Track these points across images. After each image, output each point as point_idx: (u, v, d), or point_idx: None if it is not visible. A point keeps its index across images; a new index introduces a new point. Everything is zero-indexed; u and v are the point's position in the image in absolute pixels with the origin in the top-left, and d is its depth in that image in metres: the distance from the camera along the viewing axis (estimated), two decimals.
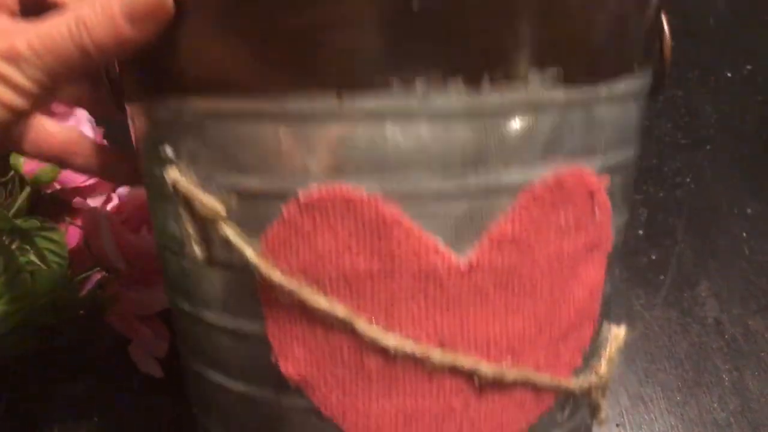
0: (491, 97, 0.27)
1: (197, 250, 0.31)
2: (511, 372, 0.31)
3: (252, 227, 0.30)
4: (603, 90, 0.30)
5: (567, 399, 0.34)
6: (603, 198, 0.31)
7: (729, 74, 0.65)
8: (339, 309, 0.30)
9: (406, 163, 0.28)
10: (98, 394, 0.53)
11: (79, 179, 0.57)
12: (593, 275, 0.33)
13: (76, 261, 0.53)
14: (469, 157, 0.28)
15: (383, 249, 0.29)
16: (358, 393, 0.31)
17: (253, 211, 0.30)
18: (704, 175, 0.62)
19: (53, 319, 0.49)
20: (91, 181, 0.57)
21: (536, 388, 0.33)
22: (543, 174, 0.29)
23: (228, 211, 0.30)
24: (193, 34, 0.29)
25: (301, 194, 0.28)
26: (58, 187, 0.58)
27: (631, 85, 0.31)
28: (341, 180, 0.28)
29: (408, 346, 0.30)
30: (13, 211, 0.55)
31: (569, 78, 0.28)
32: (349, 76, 0.27)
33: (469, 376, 0.31)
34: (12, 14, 0.32)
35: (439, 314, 0.30)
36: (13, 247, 0.51)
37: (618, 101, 0.31)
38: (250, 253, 0.30)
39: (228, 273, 0.32)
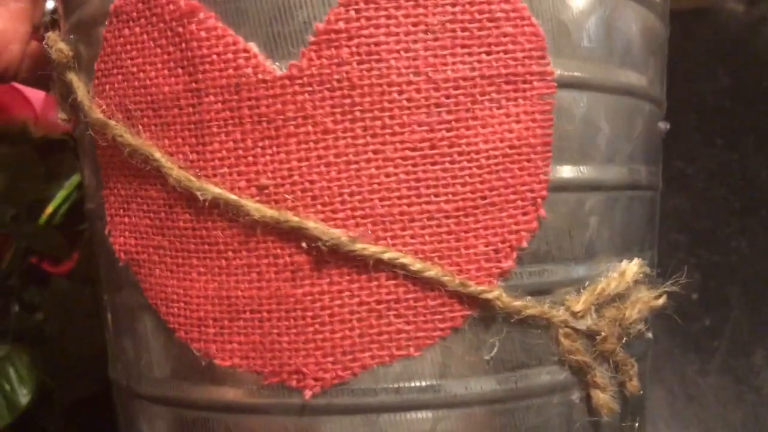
0: None
1: (61, 113, 0.28)
2: (367, 247, 0.22)
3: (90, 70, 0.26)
4: None
5: (491, 320, 0.23)
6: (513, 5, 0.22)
7: None
8: (147, 148, 0.23)
9: None
10: None
11: None
12: (513, 126, 0.22)
13: None
14: None
15: (186, 58, 0.23)
16: (178, 270, 0.24)
17: (89, 48, 0.26)
18: (759, 240, 0.59)
19: None
20: None
21: (423, 284, 0.22)
22: None
23: (78, 58, 0.27)
24: None
25: (112, 6, 0.24)
26: None
27: None
28: None
29: (222, 195, 0.22)
30: None
31: None
32: None
33: (299, 242, 0.22)
34: None
35: (260, 150, 0.22)
36: None
37: None
38: (82, 92, 0.26)
39: (82, 138, 0.27)
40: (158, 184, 0.24)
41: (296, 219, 0.22)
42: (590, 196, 0.25)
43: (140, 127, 0.24)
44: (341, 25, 0.21)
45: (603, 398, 0.25)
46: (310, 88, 0.22)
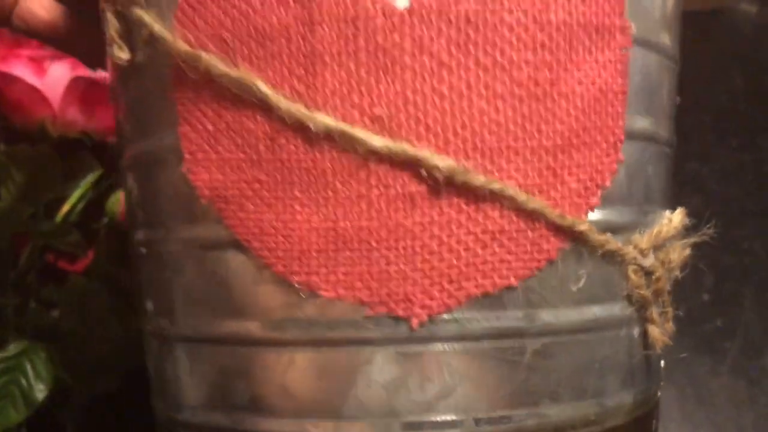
0: None
1: (120, 53, 0.27)
2: (478, 177, 0.23)
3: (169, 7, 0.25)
4: None
5: (580, 253, 0.24)
6: None
7: None
8: (250, 79, 0.23)
9: None
10: None
11: None
12: (601, 72, 0.24)
13: None
14: None
15: None
16: (277, 203, 0.24)
17: None
18: None
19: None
20: None
21: (525, 215, 0.23)
22: None
23: None
24: None
25: None
26: None
27: None
28: None
29: (335, 126, 0.23)
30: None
31: None
32: None
33: (418, 171, 0.23)
34: None
35: (375, 81, 0.23)
36: None
37: None
38: (158, 27, 0.25)
39: (146, 74, 0.27)
40: (258, 117, 0.24)
41: (413, 148, 0.22)
42: (649, 146, 0.27)
43: (239, 58, 0.24)
44: None
45: (658, 333, 0.27)
46: (428, 22, 0.23)
